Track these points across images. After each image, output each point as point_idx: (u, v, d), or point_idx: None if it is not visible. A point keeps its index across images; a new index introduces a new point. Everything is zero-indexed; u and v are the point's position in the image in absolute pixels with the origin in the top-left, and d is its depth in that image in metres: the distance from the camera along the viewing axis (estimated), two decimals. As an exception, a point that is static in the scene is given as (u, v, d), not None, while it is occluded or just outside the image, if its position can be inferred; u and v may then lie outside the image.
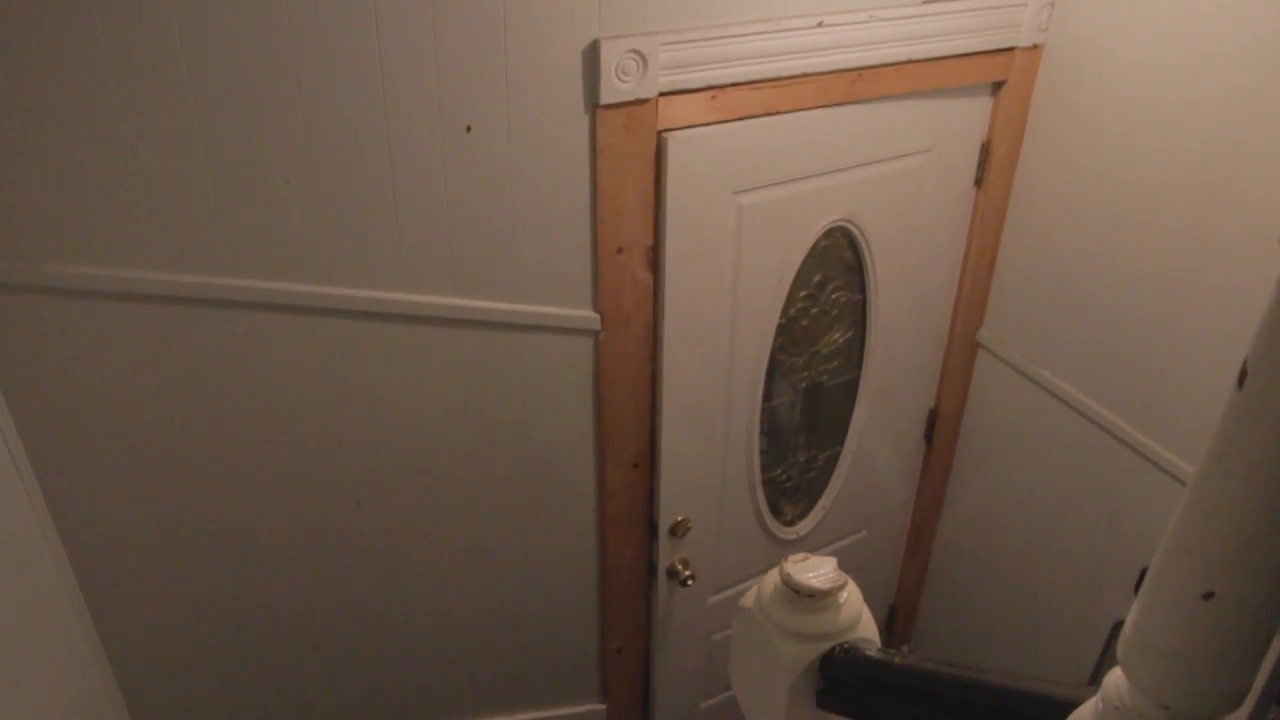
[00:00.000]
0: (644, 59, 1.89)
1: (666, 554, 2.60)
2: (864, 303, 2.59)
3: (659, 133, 2.00)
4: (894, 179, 2.42)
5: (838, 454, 2.82)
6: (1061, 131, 2.40)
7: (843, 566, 1.21)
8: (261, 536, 2.15)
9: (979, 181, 2.56)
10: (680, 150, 2.04)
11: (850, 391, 2.74)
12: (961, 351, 2.82)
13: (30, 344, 1.75)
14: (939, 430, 2.95)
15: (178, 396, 1.91)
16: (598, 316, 2.15)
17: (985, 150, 2.51)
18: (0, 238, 1.64)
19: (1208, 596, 0.67)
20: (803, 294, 2.47)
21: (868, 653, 1.17)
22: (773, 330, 2.44)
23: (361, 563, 2.28)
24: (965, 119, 2.45)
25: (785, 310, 2.44)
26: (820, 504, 2.86)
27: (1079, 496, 2.60)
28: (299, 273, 1.86)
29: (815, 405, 2.70)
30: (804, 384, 2.63)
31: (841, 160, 2.30)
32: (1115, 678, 0.80)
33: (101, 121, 1.61)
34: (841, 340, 2.62)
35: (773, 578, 1.21)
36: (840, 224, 2.40)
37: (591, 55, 1.86)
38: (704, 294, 2.27)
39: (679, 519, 2.55)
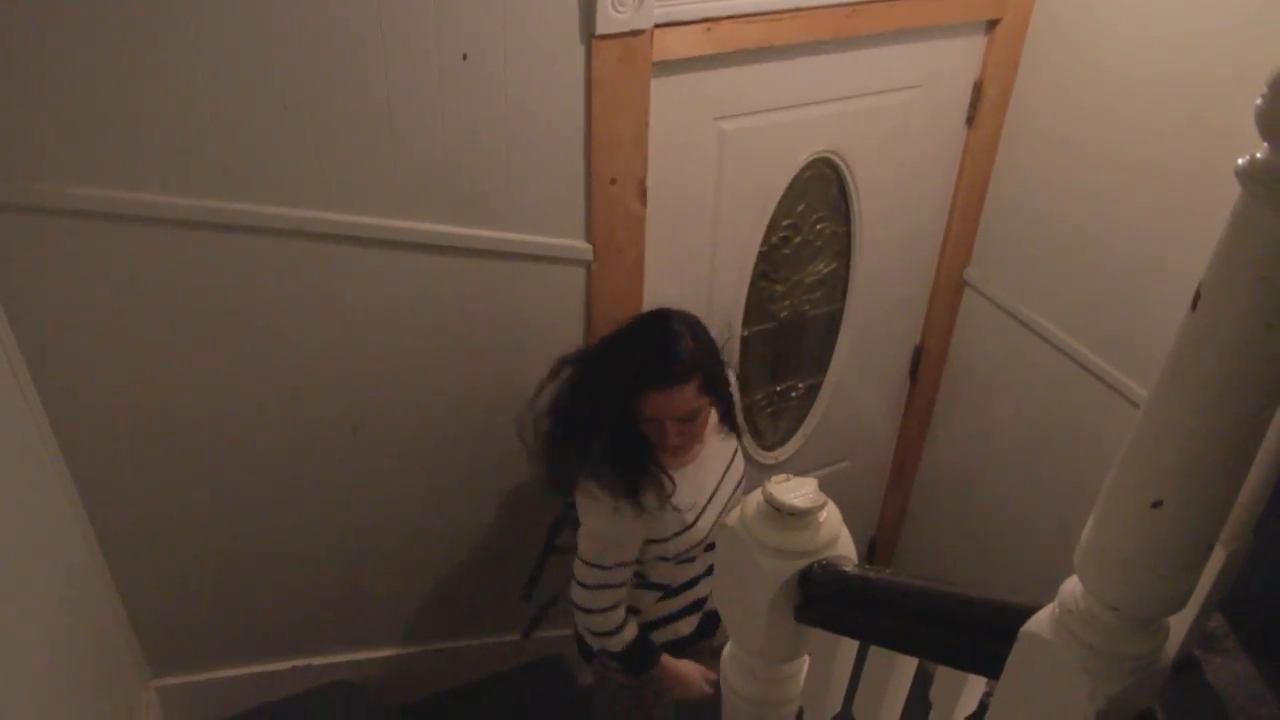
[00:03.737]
0: (640, -11, 1.89)
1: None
2: (849, 235, 2.62)
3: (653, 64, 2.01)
4: (880, 113, 2.44)
5: (819, 384, 2.88)
6: (1055, 71, 2.40)
7: (823, 496, 1.26)
8: (258, 460, 2.19)
9: (970, 120, 2.57)
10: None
11: (834, 323, 2.79)
12: (948, 289, 2.86)
13: (31, 262, 1.77)
14: (924, 366, 3.00)
15: (176, 319, 1.93)
16: (590, 247, 2.18)
17: (977, 89, 2.52)
18: None
19: (1156, 505, 0.73)
20: (785, 223, 2.50)
21: (845, 569, 1.23)
22: (754, 257, 2.49)
23: (358, 486, 2.34)
24: (958, 57, 2.46)
25: (767, 238, 2.49)
26: (801, 431, 2.93)
27: (1059, 433, 2.66)
28: (296, 198, 1.88)
29: (798, 333, 2.75)
30: (785, 312, 2.67)
31: (827, 92, 2.32)
32: (1071, 584, 0.86)
33: (101, 43, 1.61)
34: (825, 271, 2.66)
35: (756, 497, 1.26)
36: (825, 155, 2.43)
37: (588, -16, 1.86)
38: (684, 219, 2.31)
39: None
